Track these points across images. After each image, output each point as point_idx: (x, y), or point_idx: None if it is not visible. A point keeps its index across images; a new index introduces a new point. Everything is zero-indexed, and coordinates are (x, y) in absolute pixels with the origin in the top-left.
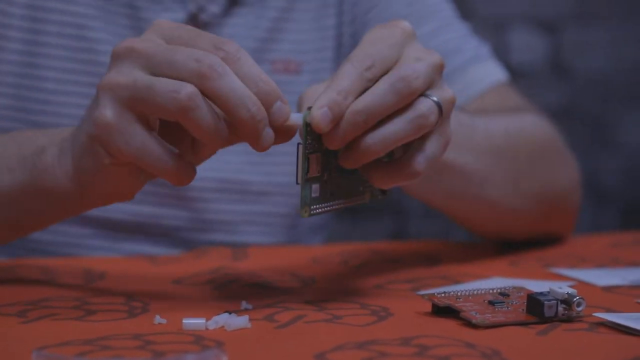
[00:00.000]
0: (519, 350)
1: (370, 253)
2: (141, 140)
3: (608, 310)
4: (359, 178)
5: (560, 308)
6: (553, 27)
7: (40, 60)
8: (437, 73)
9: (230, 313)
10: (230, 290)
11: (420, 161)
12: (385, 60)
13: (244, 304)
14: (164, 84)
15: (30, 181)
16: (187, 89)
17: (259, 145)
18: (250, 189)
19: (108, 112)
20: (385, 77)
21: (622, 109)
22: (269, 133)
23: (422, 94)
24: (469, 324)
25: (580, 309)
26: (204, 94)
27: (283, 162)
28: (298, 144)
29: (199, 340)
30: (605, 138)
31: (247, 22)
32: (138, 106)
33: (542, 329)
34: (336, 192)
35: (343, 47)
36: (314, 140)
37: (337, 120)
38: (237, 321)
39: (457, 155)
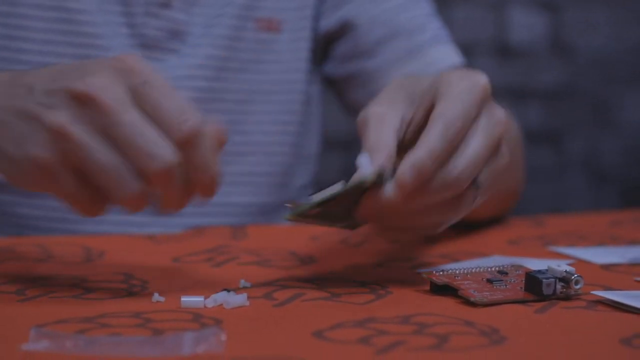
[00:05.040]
0: (517, 328)
1: (369, 231)
2: (71, 188)
3: (606, 288)
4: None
5: (559, 286)
6: (554, 6)
7: (20, 33)
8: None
9: (228, 291)
10: (229, 269)
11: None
12: (469, 122)
13: (243, 282)
14: (117, 172)
15: None
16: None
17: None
18: (228, 149)
19: (47, 155)
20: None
21: (623, 88)
22: None
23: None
24: (467, 302)
25: (578, 287)
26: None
27: (261, 121)
28: (344, 182)
29: (198, 318)
30: (606, 118)
31: None
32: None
33: (541, 306)
34: (325, 217)
35: (322, 4)
36: (355, 192)
37: (419, 183)
38: (235, 299)
39: None
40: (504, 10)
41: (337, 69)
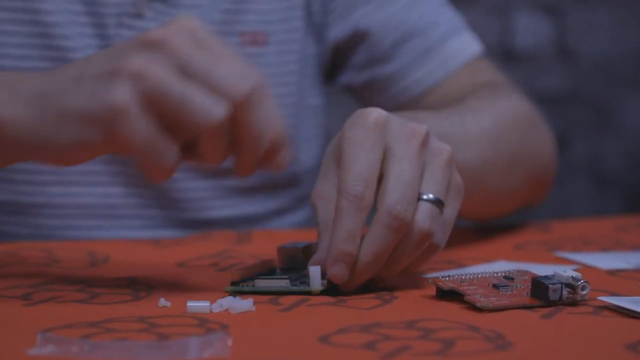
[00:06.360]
0: (523, 334)
1: None
2: (149, 133)
3: (612, 293)
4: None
5: (565, 291)
6: (557, 10)
7: None
8: (424, 152)
9: (234, 296)
10: None
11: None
12: (372, 174)
13: None
14: (200, 100)
15: None
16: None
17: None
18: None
19: (126, 97)
20: (378, 219)
21: (627, 92)
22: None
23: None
24: (473, 307)
25: (584, 292)
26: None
27: None
28: (289, 281)
29: (204, 323)
30: (610, 122)
31: None
32: (161, 107)
33: (547, 312)
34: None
35: (313, 16)
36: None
37: (353, 267)
38: (241, 304)
39: (458, 154)
40: (509, 15)
41: (355, 77)
